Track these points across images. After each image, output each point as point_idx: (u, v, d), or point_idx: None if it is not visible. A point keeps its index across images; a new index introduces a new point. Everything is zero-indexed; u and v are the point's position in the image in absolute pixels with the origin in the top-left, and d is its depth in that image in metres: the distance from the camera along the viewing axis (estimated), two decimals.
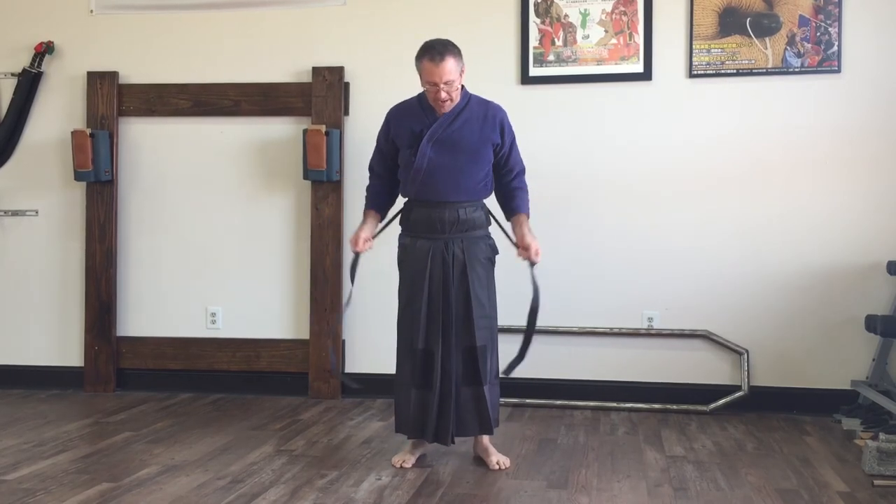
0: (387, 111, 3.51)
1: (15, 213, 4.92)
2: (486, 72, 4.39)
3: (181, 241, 4.81)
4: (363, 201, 3.61)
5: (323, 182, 4.58)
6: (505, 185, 3.49)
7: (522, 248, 3.40)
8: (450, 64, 3.24)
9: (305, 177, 4.54)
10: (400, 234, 3.49)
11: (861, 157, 4.25)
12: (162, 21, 4.81)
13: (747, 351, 4.31)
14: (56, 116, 4.88)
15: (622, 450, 3.68)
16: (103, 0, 4.85)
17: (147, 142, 4.85)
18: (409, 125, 3.39)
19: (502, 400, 3.77)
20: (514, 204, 3.47)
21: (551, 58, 4.48)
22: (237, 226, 4.77)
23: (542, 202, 4.36)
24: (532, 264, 3.40)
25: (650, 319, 4.43)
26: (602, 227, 4.46)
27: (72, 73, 4.86)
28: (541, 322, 4.42)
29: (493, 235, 3.50)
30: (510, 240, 3.49)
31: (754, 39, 4.31)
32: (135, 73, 4.83)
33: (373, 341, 4.57)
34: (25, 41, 4.86)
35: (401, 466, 3.40)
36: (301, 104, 4.67)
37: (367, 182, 3.61)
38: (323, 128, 4.47)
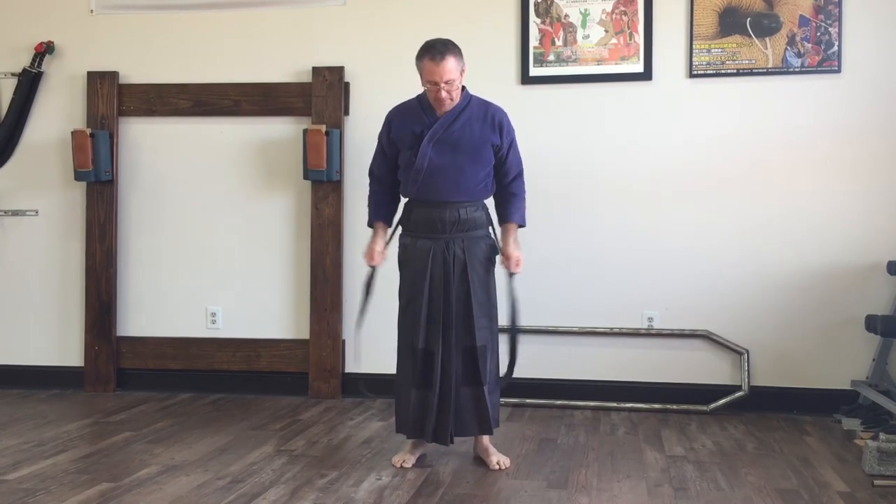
0: (387, 111, 3.51)
1: (15, 213, 4.92)
2: (486, 72, 4.39)
3: (181, 241, 4.81)
4: (363, 201, 3.61)
5: (323, 182, 4.58)
6: (502, 189, 3.49)
7: (504, 257, 3.41)
8: (450, 63, 3.24)
9: (305, 177, 4.54)
10: (400, 234, 3.50)
11: (861, 157, 4.25)
12: (162, 21, 4.81)
13: (747, 351, 4.31)
14: (56, 116, 4.88)
15: (622, 450, 3.68)
16: (103, 0, 4.85)
17: (147, 142, 4.85)
18: (409, 126, 3.39)
19: (502, 400, 3.77)
20: (506, 211, 3.47)
21: (551, 58, 4.48)
22: (237, 226, 4.77)
23: (543, 202, 4.38)
24: (511, 274, 3.41)
25: (650, 319, 4.43)
26: (602, 227, 4.46)
27: (72, 73, 4.87)
28: (541, 322, 4.48)
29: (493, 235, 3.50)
30: (497, 246, 3.49)
31: (754, 39, 4.31)
32: (135, 73, 4.83)
33: (373, 341, 4.56)
34: (25, 41, 4.86)
35: (401, 466, 3.40)
36: (301, 104, 4.67)
37: (367, 182, 3.60)
38: (323, 128, 4.47)
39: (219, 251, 4.78)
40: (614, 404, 4.38)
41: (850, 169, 4.26)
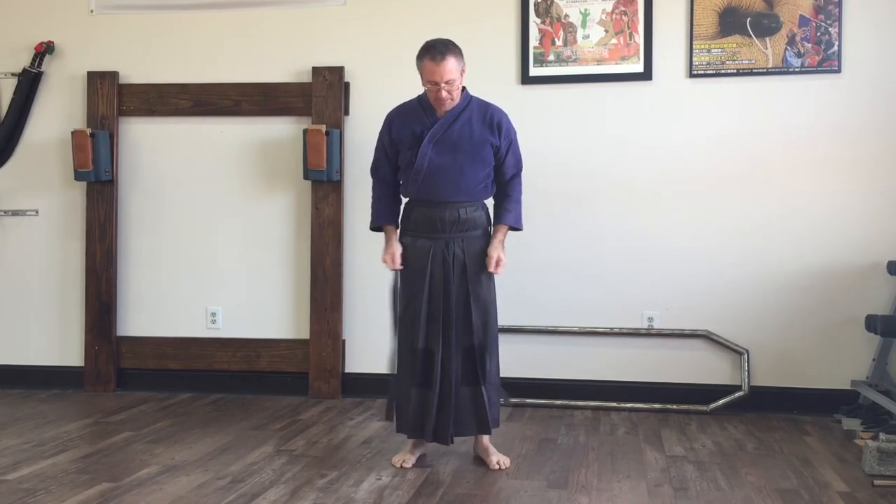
0: (387, 111, 3.51)
1: (15, 213, 4.92)
2: (486, 72, 4.39)
3: (181, 241, 4.81)
4: (364, 201, 3.61)
5: (323, 182, 4.58)
6: (500, 189, 3.49)
7: (487, 256, 3.39)
8: (451, 63, 3.24)
9: (306, 177, 4.54)
10: (400, 234, 3.49)
11: (861, 157, 4.25)
12: (162, 21, 4.81)
13: (747, 351, 4.31)
14: (56, 116, 4.88)
15: (622, 450, 3.68)
16: (103, 0, 4.85)
17: (147, 142, 4.85)
18: (410, 126, 3.39)
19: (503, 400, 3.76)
20: (498, 211, 3.47)
21: (551, 58, 4.48)
22: (237, 226, 4.77)
23: (543, 202, 4.38)
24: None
25: (650, 319, 4.43)
26: (602, 227, 4.46)
27: (72, 73, 4.87)
28: (541, 322, 4.49)
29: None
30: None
31: (754, 39, 4.31)
32: (135, 73, 4.83)
33: (373, 341, 4.57)
34: (25, 41, 4.86)
35: (401, 466, 3.40)
36: (301, 104, 4.67)
37: (367, 182, 3.60)
38: (323, 128, 4.47)
39: (219, 251, 4.78)
40: (614, 404, 4.38)
41: (850, 169, 4.26)
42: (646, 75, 4.40)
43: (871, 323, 3.97)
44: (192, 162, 4.80)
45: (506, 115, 3.46)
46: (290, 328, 4.74)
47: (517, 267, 4.30)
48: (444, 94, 3.27)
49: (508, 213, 3.45)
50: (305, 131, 4.50)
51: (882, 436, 3.37)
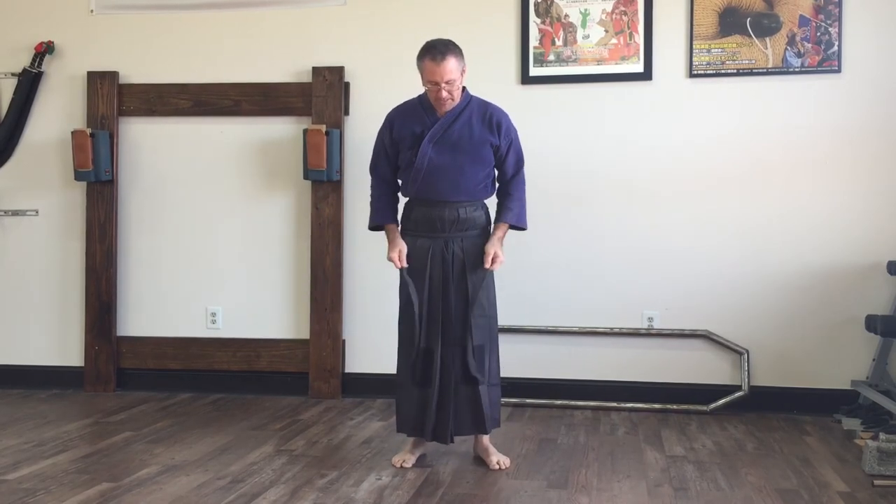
0: (387, 111, 3.51)
1: (15, 213, 4.92)
2: (486, 72, 4.39)
3: (181, 241, 4.81)
4: (364, 201, 3.61)
5: (323, 182, 4.58)
6: (502, 187, 3.50)
7: (484, 252, 3.39)
8: (451, 63, 3.24)
9: (305, 177, 4.54)
10: (400, 233, 3.49)
11: (861, 157, 4.25)
12: (162, 21, 4.81)
13: (747, 351, 4.31)
14: (56, 116, 4.88)
15: (622, 450, 3.68)
16: (103, 0, 4.85)
17: (147, 142, 4.85)
18: (410, 126, 3.39)
19: (503, 400, 3.76)
20: (501, 210, 3.48)
21: (551, 58, 4.48)
22: (237, 226, 4.77)
23: (543, 202, 4.38)
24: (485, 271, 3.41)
25: (650, 319, 4.43)
26: (602, 227, 4.46)
27: (72, 73, 4.86)
28: (541, 322, 4.49)
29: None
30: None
31: (754, 39, 4.31)
32: (135, 73, 4.83)
33: (373, 341, 4.57)
34: (25, 41, 4.86)
35: (401, 466, 3.40)
36: (301, 104, 4.67)
37: (367, 182, 3.59)
38: (323, 128, 4.47)
39: (219, 251, 4.78)
40: (614, 404, 4.38)
41: (850, 169, 4.26)
42: (646, 75, 4.40)
43: (871, 323, 3.97)
44: (192, 162, 4.80)
45: (506, 115, 3.46)
46: (290, 328, 4.73)
47: (517, 267, 4.30)
48: (444, 94, 3.27)
49: (509, 211, 3.45)
50: (305, 131, 4.50)
51: (882, 436, 3.37)
